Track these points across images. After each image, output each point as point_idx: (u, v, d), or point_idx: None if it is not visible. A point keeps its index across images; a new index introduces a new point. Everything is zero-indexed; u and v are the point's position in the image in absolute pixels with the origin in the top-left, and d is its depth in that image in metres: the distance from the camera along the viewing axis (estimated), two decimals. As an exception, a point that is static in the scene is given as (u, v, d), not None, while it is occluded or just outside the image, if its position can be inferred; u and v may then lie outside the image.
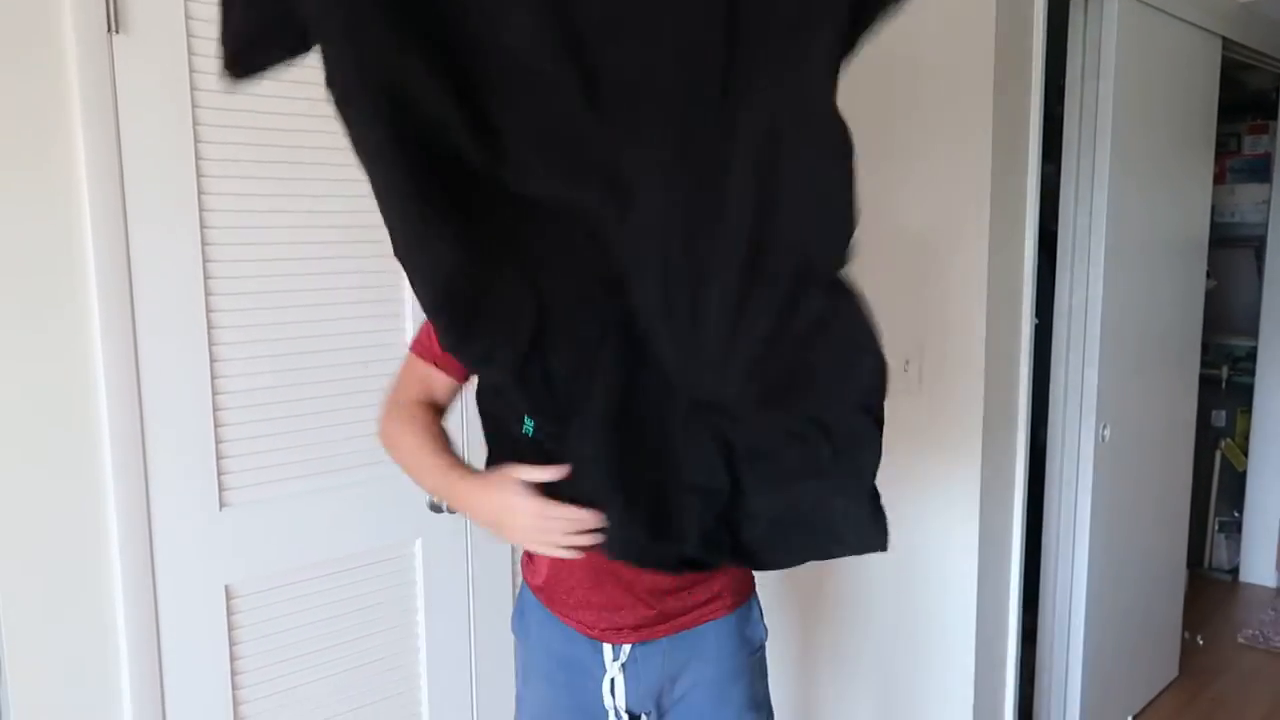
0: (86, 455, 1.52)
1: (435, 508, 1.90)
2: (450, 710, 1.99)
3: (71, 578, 1.52)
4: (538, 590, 1.43)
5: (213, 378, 1.63)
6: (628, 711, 1.40)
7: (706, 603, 1.40)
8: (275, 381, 1.71)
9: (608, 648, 1.38)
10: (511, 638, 1.53)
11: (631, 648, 1.38)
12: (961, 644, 2.22)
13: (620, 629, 1.37)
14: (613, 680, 1.39)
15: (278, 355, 1.71)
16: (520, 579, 1.50)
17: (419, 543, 1.91)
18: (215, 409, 1.64)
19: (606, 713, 1.40)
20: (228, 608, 1.68)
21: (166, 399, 1.58)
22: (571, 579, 1.36)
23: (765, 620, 1.50)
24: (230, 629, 1.69)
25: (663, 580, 1.34)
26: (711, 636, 1.41)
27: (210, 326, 1.62)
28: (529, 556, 1.44)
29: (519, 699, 1.51)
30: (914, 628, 2.30)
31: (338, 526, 1.80)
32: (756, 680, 1.49)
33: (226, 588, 1.68)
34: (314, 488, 1.77)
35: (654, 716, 1.45)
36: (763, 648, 1.50)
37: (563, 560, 1.30)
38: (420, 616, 1.93)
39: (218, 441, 1.65)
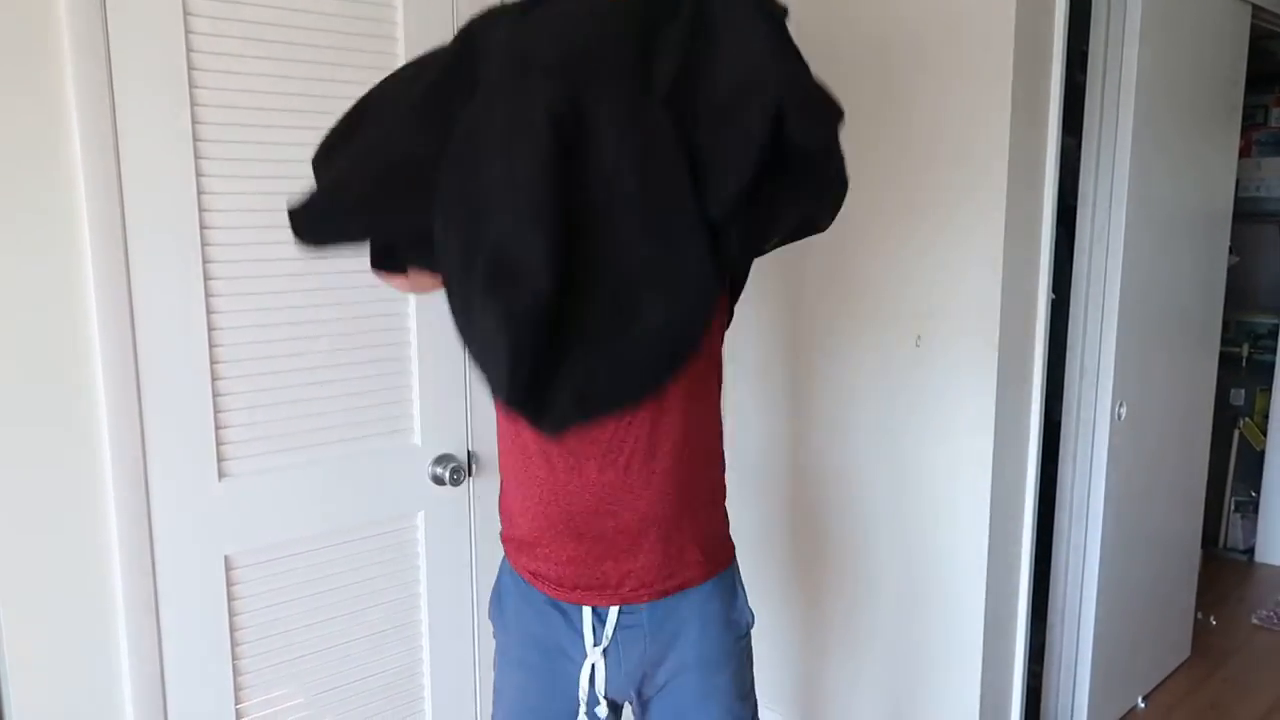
0: (83, 425, 1.50)
1: (438, 480, 1.89)
2: (453, 683, 1.99)
3: (69, 549, 1.51)
4: (515, 546, 1.39)
5: (211, 346, 1.61)
6: (608, 699, 1.37)
7: (681, 561, 1.34)
8: (275, 351, 1.69)
9: (588, 631, 1.35)
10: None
11: (615, 629, 1.34)
12: (970, 621, 2.20)
13: (603, 589, 1.32)
14: (593, 666, 1.35)
15: (278, 324, 1.69)
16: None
17: (421, 515, 1.90)
18: (214, 378, 1.62)
19: (580, 702, 1.36)
20: (227, 579, 1.67)
21: (164, 368, 1.56)
22: (552, 529, 1.32)
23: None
24: (230, 600, 1.68)
25: (633, 524, 1.30)
26: (695, 618, 1.37)
27: (208, 294, 1.60)
28: (508, 511, 1.41)
29: (496, 691, 1.47)
30: (922, 604, 2.28)
31: (339, 498, 1.79)
32: (743, 669, 1.44)
33: (226, 559, 1.67)
34: (315, 459, 1.75)
35: (636, 706, 1.42)
36: (749, 634, 1.46)
37: (542, 509, 1.30)
38: (422, 589, 1.92)
39: (216, 411, 1.63)
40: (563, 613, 1.36)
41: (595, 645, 1.35)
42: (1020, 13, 1.98)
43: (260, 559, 1.71)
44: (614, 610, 1.34)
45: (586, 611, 1.35)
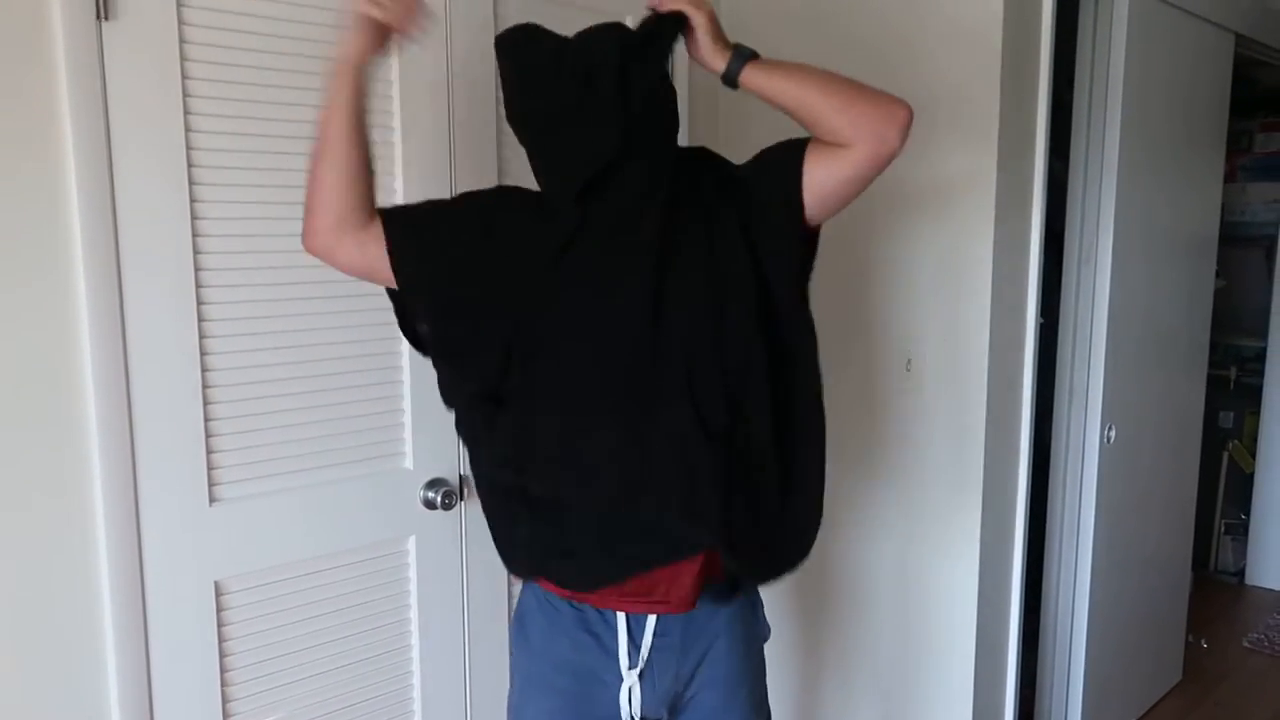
0: (74, 448, 1.49)
1: (430, 504, 1.88)
2: (443, 709, 1.97)
3: (58, 573, 1.50)
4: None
5: (203, 370, 1.61)
6: (643, 717, 1.41)
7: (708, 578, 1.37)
8: (267, 375, 1.69)
9: (623, 654, 1.37)
10: (506, 637, 1.51)
11: (650, 651, 1.37)
12: (962, 646, 2.19)
13: (645, 597, 1.35)
14: (630, 689, 1.38)
15: (269, 349, 1.69)
16: (515, 588, 1.49)
17: (412, 540, 1.89)
18: (206, 402, 1.62)
19: None
20: (217, 604, 1.66)
21: (156, 392, 1.56)
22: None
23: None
24: (220, 625, 1.67)
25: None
26: (725, 634, 1.41)
27: (201, 319, 1.60)
28: None
29: (516, 710, 1.48)
30: (915, 629, 2.28)
31: (330, 523, 1.78)
32: (759, 682, 1.50)
33: (216, 584, 1.66)
34: (306, 483, 1.75)
35: (666, 718, 1.45)
36: (762, 647, 1.51)
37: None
38: (413, 614, 1.91)
39: (208, 436, 1.62)
40: (595, 636, 1.38)
41: (631, 669, 1.38)
42: (1007, 37, 2.00)
43: (250, 584, 1.70)
44: (649, 631, 1.37)
45: (622, 633, 1.37)
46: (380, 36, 1.29)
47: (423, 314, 1.39)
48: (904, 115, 1.29)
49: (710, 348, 1.27)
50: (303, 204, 1.35)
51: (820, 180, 1.28)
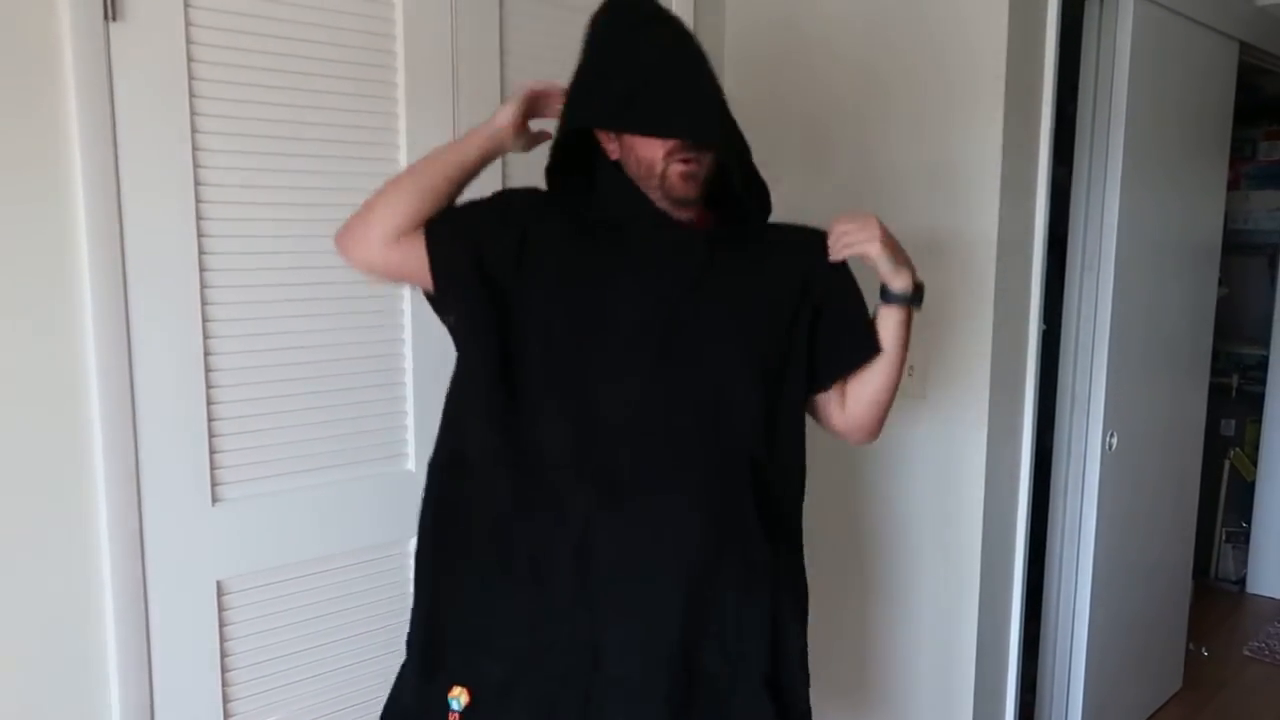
0: (78, 448, 1.50)
1: (431, 506, 1.88)
2: (443, 710, 1.97)
3: (60, 572, 1.50)
4: None
5: (207, 371, 1.62)
6: None
7: None
8: (270, 376, 1.70)
9: None
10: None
11: None
12: (963, 652, 2.19)
13: None
14: None
15: (273, 350, 1.69)
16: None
17: (414, 541, 1.89)
18: (209, 403, 1.62)
19: None
20: (219, 604, 1.66)
21: (160, 392, 1.56)
22: None
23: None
24: (221, 625, 1.67)
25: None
26: None
27: (205, 319, 1.60)
28: None
29: None
30: (915, 635, 2.27)
31: (331, 523, 1.78)
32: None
33: (218, 584, 1.66)
34: (308, 484, 1.75)
35: None
36: None
37: None
38: (414, 615, 1.91)
39: (211, 436, 1.63)
40: None
41: None
42: (1011, 46, 2.00)
43: (252, 584, 1.70)
44: None
45: None
46: (531, 116, 1.40)
47: (454, 307, 1.43)
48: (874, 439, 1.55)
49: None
50: (358, 209, 1.38)
51: (822, 396, 1.51)
